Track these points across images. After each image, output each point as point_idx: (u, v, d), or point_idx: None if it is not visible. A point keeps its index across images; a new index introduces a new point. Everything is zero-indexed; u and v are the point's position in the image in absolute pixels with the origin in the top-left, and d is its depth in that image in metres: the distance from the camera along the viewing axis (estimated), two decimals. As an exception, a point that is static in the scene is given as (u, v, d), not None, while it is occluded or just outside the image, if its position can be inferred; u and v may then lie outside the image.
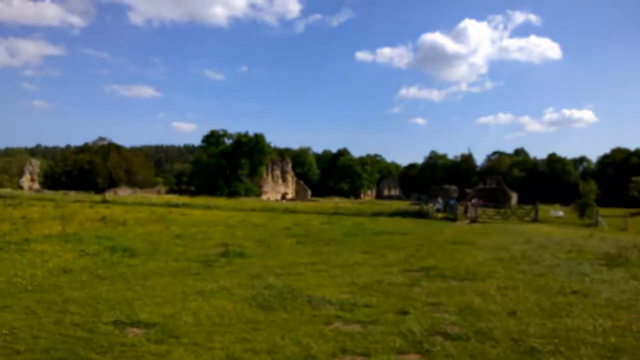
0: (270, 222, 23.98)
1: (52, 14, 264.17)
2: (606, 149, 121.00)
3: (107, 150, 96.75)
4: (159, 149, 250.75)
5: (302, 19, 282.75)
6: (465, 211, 32.70)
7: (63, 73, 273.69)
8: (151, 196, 54.72)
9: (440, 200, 34.52)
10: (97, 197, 45.15)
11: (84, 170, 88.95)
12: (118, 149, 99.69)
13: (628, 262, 10.20)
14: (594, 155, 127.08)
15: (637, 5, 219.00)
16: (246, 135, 77.82)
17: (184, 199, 47.88)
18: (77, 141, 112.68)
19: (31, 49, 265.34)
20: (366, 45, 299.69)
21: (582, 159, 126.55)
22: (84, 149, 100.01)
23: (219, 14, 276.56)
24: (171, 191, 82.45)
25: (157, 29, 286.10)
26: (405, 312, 5.77)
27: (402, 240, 16.07)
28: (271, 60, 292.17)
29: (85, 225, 17.80)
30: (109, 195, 47.59)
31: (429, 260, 10.88)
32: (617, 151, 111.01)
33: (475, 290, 7.26)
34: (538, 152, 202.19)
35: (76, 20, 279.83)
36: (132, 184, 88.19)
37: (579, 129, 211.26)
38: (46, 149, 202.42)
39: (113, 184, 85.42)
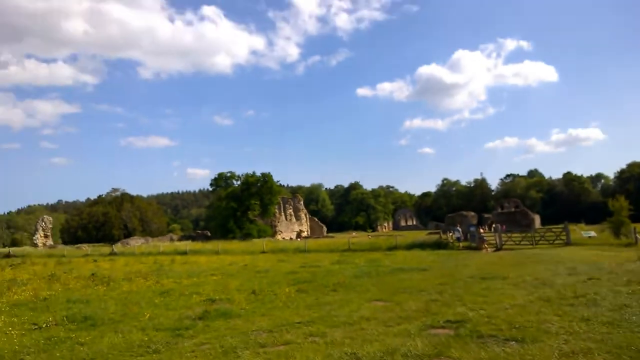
0: (275, 265, 21.89)
1: (65, 74, 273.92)
2: (619, 164, 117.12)
3: (120, 201, 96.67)
4: (175, 195, 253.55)
5: (302, 62, 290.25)
6: (473, 238, 29.40)
7: (80, 129, 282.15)
8: (161, 244, 53.31)
9: (459, 228, 32.02)
10: (106, 250, 43.84)
11: (99, 222, 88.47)
12: (131, 199, 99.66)
13: None
14: (609, 172, 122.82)
15: (624, 18, 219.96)
16: (253, 175, 76.60)
17: (193, 245, 46.09)
18: (96, 194, 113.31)
19: (48, 109, 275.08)
20: (366, 82, 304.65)
21: (599, 176, 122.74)
22: (98, 201, 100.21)
23: (222, 62, 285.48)
24: (185, 237, 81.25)
25: (166, 81, 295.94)
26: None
27: (422, 278, 13.82)
28: (276, 102, 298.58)
29: (70, 285, 16.12)
30: (117, 247, 46.36)
31: (457, 306, 8.69)
32: (634, 165, 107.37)
33: (529, 360, 5.09)
34: (551, 172, 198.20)
35: (88, 79, 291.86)
36: (147, 232, 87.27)
37: (587, 147, 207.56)
38: (67, 204, 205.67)
39: (129, 234, 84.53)
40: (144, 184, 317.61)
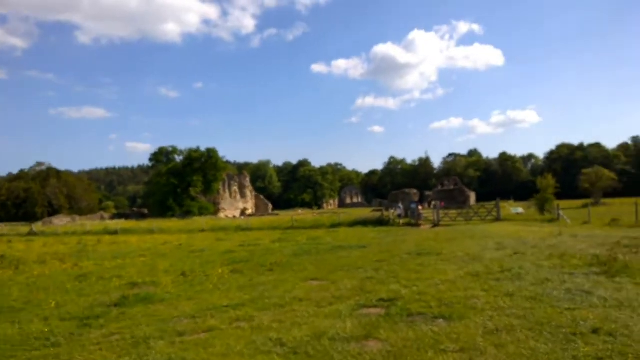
0: (213, 244, 21.09)
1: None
2: (551, 146, 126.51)
3: (45, 176, 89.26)
4: (110, 171, 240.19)
5: (257, 34, 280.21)
6: (413, 215, 30.69)
7: (4, 97, 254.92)
8: (89, 223, 50.13)
9: (401, 205, 32.73)
10: (25, 229, 40.28)
11: (19, 199, 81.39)
12: (58, 174, 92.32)
13: (628, 268, 8.30)
14: (540, 153, 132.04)
15: (571, 10, 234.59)
16: (197, 150, 73.71)
17: (125, 224, 43.75)
18: (19, 169, 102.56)
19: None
20: (321, 58, 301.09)
21: (531, 156, 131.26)
22: (19, 176, 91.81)
23: (171, 30, 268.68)
24: (118, 215, 77.58)
25: (106, 48, 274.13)
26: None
27: (361, 256, 13.75)
28: (227, 75, 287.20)
29: (-29, 269, 14.33)
30: (38, 226, 42.77)
31: (391, 284, 8.58)
32: (562, 147, 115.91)
33: (455, 339, 4.94)
34: (489, 152, 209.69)
35: (17, 42, 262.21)
36: (76, 211, 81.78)
37: (523, 129, 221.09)
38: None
39: (54, 212, 78.70)
40: (76, 158, 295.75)
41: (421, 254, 13.02)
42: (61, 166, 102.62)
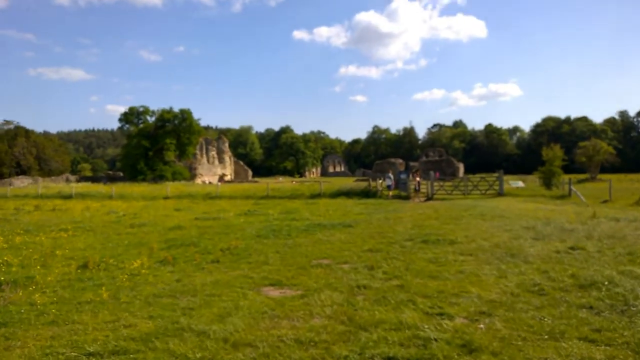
0: (166, 215, 17.29)
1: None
2: (533, 120, 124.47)
3: (13, 135, 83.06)
4: (89, 133, 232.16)
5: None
6: (417, 189, 27.92)
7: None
8: (50, 185, 45.79)
9: (391, 175, 29.20)
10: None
11: (-16, 158, 75.62)
12: (27, 133, 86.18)
13: None
14: (523, 126, 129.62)
15: None
16: (170, 111, 68.34)
17: (86, 187, 39.51)
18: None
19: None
20: (303, 25, 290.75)
21: (516, 129, 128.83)
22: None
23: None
24: (88, 178, 72.99)
25: (85, 9, 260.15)
26: None
27: (345, 241, 10.18)
28: (209, 40, 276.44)
29: None
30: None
31: (401, 307, 5.02)
32: (548, 120, 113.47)
33: None
34: (473, 124, 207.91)
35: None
36: (46, 172, 77.04)
37: (505, 102, 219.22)
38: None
39: (22, 172, 73.64)
40: (56, 119, 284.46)
41: (427, 242, 9.51)
42: (40, 127, 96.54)
